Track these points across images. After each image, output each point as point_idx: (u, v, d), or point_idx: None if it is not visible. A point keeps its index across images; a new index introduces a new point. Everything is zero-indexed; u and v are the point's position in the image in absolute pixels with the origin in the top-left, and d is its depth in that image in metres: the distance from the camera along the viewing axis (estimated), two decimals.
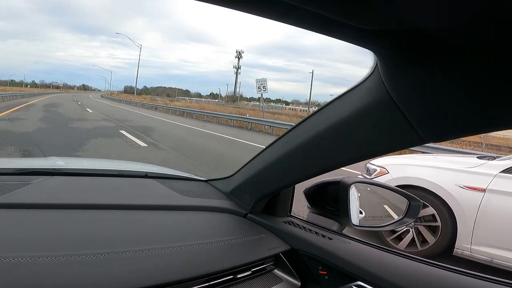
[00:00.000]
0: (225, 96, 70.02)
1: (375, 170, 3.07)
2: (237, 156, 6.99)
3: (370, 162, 3.24)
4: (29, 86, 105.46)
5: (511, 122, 0.42)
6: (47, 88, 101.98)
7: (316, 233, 0.81)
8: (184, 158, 6.15)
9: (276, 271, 0.80)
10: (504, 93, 0.38)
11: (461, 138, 11.72)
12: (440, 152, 5.90)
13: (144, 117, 17.42)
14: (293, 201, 0.96)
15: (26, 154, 5.04)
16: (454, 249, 2.58)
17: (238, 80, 67.86)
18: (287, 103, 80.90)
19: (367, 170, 3.22)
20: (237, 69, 65.54)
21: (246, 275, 0.73)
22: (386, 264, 0.68)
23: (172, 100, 52.53)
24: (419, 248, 2.75)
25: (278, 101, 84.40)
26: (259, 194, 0.89)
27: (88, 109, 19.21)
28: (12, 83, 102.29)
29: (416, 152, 6.16)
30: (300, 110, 51.72)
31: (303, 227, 0.85)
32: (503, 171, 2.50)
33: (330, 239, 0.78)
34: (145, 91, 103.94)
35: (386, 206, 0.93)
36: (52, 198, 0.82)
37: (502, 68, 0.37)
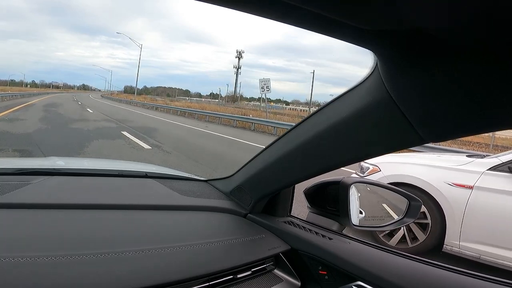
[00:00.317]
0: (225, 96, 70.15)
1: (368, 168, 3.12)
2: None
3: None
4: (29, 86, 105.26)
5: (511, 122, 0.42)
6: (47, 88, 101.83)
7: (316, 233, 0.81)
8: (194, 163, 5.82)
9: (276, 271, 0.80)
10: (504, 93, 0.38)
11: (468, 139, 11.66)
12: (444, 153, 5.87)
13: (145, 117, 17.37)
14: (293, 201, 0.96)
15: (26, 154, 5.03)
16: (444, 245, 2.60)
17: (238, 80, 68.00)
18: (287, 103, 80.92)
19: (360, 168, 3.26)
20: (237, 69, 65.60)
21: (246, 275, 0.73)
22: (386, 264, 0.68)
23: (173, 100, 52.47)
24: (410, 245, 2.78)
25: (278, 101, 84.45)
26: (259, 194, 0.89)
27: (88, 109, 19.18)
28: (12, 83, 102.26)
29: (416, 151, 6.14)
30: (301, 110, 51.65)
31: (303, 227, 0.85)
32: (490, 169, 2.53)
33: (330, 239, 0.78)
34: (145, 91, 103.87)
35: (386, 206, 0.94)
36: (52, 198, 0.82)
37: (502, 68, 0.37)
